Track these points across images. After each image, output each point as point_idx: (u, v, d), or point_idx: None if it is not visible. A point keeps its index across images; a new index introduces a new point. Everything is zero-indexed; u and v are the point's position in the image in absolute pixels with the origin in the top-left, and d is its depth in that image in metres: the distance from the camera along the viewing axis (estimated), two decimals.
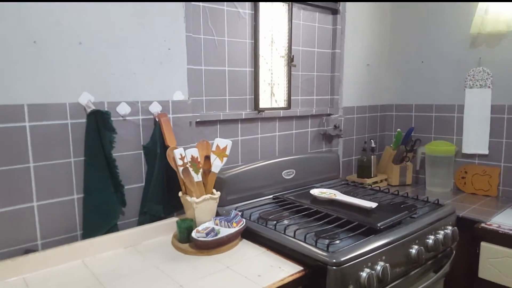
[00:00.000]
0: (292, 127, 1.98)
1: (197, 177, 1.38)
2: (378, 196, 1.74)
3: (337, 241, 1.23)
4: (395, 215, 1.42)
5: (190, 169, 1.36)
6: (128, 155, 1.37)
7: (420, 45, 2.27)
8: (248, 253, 1.27)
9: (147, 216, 1.42)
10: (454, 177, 2.13)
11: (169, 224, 1.42)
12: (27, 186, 1.17)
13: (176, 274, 1.13)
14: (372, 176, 2.16)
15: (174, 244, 1.33)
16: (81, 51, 1.23)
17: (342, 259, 1.13)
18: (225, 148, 1.42)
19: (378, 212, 1.46)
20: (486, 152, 2.03)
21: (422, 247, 1.37)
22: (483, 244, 1.60)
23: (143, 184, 1.43)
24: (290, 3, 1.83)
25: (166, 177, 1.43)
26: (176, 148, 1.35)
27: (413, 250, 1.35)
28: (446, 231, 1.52)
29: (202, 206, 1.37)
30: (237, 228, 1.32)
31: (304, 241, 1.23)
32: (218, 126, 1.65)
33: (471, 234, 1.63)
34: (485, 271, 1.61)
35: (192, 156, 1.37)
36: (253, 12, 1.71)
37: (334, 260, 1.13)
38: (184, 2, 1.45)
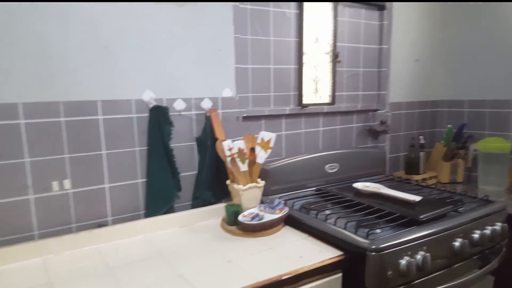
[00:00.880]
0: (337, 122, 2.11)
1: (244, 167, 1.57)
2: (424, 191, 1.80)
3: (378, 230, 1.33)
4: (439, 208, 1.48)
5: (237, 159, 1.55)
6: (183, 146, 1.61)
7: (473, 39, 2.28)
8: (290, 237, 1.44)
9: (199, 200, 1.64)
10: (510, 175, 2.13)
11: (218, 209, 1.63)
12: (100, 170, 1.44)
13: (225, 251, 1.32)
14: (421, 173, 2.22)
15: (222, 226, 1.54)
16: (144, 54, 1.48)
17: (382, 245, 1.23)
18: (269, 141, 1.60)
19: (422, 205, 1.53)
20: None
21: (466, 241, 1.41)
22: None
23: (196, 172, 1.65)
24: (335, 2, 1.96)
25: (216, 166, 1.63)
26: (224, 140, 1.55)
27: (457, 243, 1.40)
28: (494, 227, 1.55)
29: (247, 194, 1.56)
30: (280, 215, 1.49)
31: (345, 229, 1.35)
32: (263, 121, 1.84)
33: None
34: None
35: (239, 148, 1.56)
36: (298, 11, 1.87)
37: (373, 246, 1.22)
38: (232, 6, 1.65)
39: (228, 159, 1.55)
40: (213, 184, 1.65)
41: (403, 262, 1.27)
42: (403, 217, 1.42)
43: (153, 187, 1.54)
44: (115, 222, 1.49)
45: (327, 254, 1.30)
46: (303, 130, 1.99)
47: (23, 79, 1.28)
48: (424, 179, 2.19)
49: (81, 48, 1.36)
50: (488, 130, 2.27)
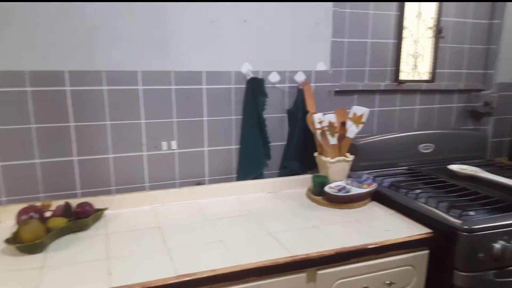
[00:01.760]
0: (435, 101, 2.09)
1: (333, 140, 1.67)
2: None
3: (471, 212, 1.34)
4: None
5: (327, 132, 1.66)
6: (274, 117, 1.76)
7: None
8: (377, 212, 1.52)
9: (286, 170, 1.80)
10: None
11: (304, 179, 1.77)
12: (201, 134, 1.66)
13: (311, 218, 1.46)
14: None
15: (308, 195, 1.68)
16: (245, 28, 1.64)
17: (475, 226, 1.25)
18: (361, 116, 1.67)
19: None
20: None
21: None
22: None
23: (285, 143, 1.80)
24: None
25: (305, 138, 1.76)
26: (315, 113, 1.67)
27: None
28: None
29: (335, 167, 1.67)
30: (368, 189, 1.58)
31: (436, 208, 1.38)
32: (356, 96, 1.91)
33: None
34: None
35: (329, 121, 1.66)
36: None
37: (466, 226, 1.25)
38: None
39: (318, 131, 1.67)
40: (301, 155, 1.79)
41: (497, 246, 1.28)
42: (501, 201, 1.41)
43: (245, 153, 1.74)
44: (211, 182, 1.72)
45: (415, 230, 1.36)
46: (398, 108, 2.02)
47: (143, 49, 1.53)
48: None
49: (191, 22, 1.57)
50: None
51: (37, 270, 1.11)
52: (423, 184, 1.69)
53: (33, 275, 1.09)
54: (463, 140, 2.06)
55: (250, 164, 1.75)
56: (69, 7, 1.41)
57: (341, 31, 1.84)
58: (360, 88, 1.91)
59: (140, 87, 1.55)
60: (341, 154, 1.71)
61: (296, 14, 1.72)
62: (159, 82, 1.57)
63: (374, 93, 1.96)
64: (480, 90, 2.17)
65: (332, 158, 1.68)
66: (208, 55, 1.63)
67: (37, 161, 1.47)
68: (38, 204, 1.36)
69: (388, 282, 1.31)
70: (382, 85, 1.95)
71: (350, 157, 1.71)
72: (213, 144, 1.70)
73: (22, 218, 1.28)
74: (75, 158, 1.52)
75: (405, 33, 1.95)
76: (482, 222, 1.29)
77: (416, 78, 2.03)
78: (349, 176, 1.73)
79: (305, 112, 1.74)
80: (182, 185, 1.68)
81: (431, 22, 2.00)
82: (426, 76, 2.05)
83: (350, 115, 1.71)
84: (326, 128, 1.67)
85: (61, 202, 1.41)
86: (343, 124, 1.72)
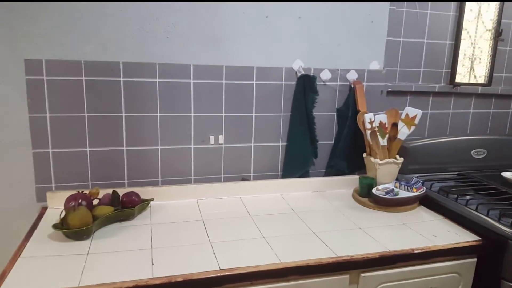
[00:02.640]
0: (491, 105, 2.03)
1: (383, 142, 1.66)
2: None
3: None
4: None
5: (377, 133, 1.64)
6: (323, 115, 1.75)
7: None
8: (425, 217, 1.50)
9: (332, 169, 1.79)
10: None
11: (351, 180, 1.76)
12: (249, 130, 1.68)
13: (356, 219, 1.46)
14: None
15: (354, 197, 1.66)
16: (299, 24, 1.64)
17: None
18: (414, 117, 1.64)
19: None
20: None
21: None
22: None
23: (332, 142, 1.79)
24: None
25: (354, 138, 1.75)
26: (366, 113, 1.65)
27: None
28: None
29: (384, 168, 1.65)
30: (417, 193, 1.56)
31: (487, 215, 1.36)
32: (408, 97, 1.88)
33: None
34: None
35: (380, 121, 1.65)
36: None
37: None
38: None
39: (368, 132, 1.65)
40: (349, 155, 1.78)
41: None
42: None
43: (292, 151, 1.74)
44: (256, 178, 1.74)
45: (463, 237, 1.34)
46: (451, 111, 1.98)
47: (196, 44, 1.55)
48: None
49: (245, 17, 1.58)
50: None
51: (82, 256, 1.14)
52: (473, 190, 1.65)
53: (79, 261, 1.11)
54: None
55: (297, 162, 1.75)
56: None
57: (397, 30, 1.82)
58: (413, 89, 1.88)
59: (191, 80, 1.57)
60: (390, 156, 1.70)
61: (352, 11, 1.71)
62: (210, 76, 1.60)
63: (428, 94, 1.93)
64: None
65: (381, 159, 1.66)
66: (260, 50, 1.64)
67: (88, 149, 1.52)
68: (86, 191, 1.39)
69: None
70: (437, 87, 1.91)
71: (400, 160, 1.69)
72: (260, 140, 1.71)
73: (71, 204, 1.31)
74: (124, 148, 1.56)
75: (463, 34, 1.90)
76: None
77: (472, 81, 1.98)
78: (397, 179, 1.70)
79: (356, 111, 1.73)
80: (227, 180, 1.71)
81: (490, 24, 1.93)
82: (482, 80, 2.00)
83: (402, 116, 1.70)
84: (376, 129, 1.67)
85: (109, 190, 1.45)
86: (394, 125, 1.70)
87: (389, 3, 1.71)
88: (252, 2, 1.55)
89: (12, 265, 1.06)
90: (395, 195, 1.55)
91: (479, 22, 1.90)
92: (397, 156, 1.68)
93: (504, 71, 2.00)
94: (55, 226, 1.22)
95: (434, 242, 1.28)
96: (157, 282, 1.01)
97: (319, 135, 1.75)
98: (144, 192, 1.50)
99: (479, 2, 1.86)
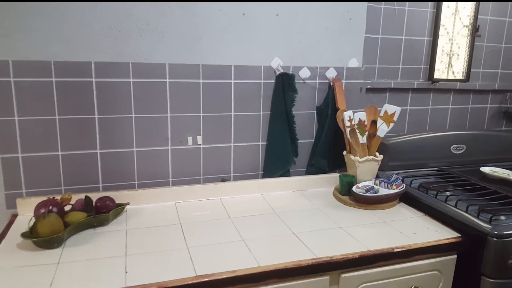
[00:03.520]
0: (469, 101, 2.03)
1: (362, 139, 1.64)
2: None
3: (502, 217, 1.32)
4: None
5: (357, 131, 1.62)
6: (303, 114, 1.73)
7: None
8: (405, 214, 1.49)
9: (313, 168, 1.77)
10: None
11: (332, 178, 1.74)
12: (228, 130, 1.63)
13: (337, 218, 1.44)
14: None
15: (335, 195, 1.65)
16: (277, 22, 1.61)
17: (506, 232, 1.22)
18: (393, 114, 1.63)
19: None
20: None
21: None
22: None
23: (313, 140, 1.77)
24: None
25: (334, 136, 1.73)
26: (345, 110, 1.63)
27: None
28: None
29: (364, 166, 1.63)
30: (396, 190, 1.55)
31: (466, 211, 1.36)
32: (388, 94, 1.87)
33: None
34: None
35: (360, 119, 1.63)
36: None
37: (496, 232, 1.22)
38: None
39: (348, 129, 1.63)
40: (329, 153, 1.76)
41: None
42: None
43: (272, 150, 1.70)
44: (236, 178, 1.70)
45: (443, 234, 1.33)
46: (430, 107, 1.98)
47: (172, 41, 1.50)
48: None
49: (222, 15, 1.54)
50: None
51: (53, 266, 1.09)
52: (453, 186, 1.66)
53: (49, 271, 1.06)
54: (496, 142, 1.99)
55: (277, 161, 1.72)
56: None
57: (375, 27, 1.80)
58: (392, 86, 1.87)
59: (167, 80, 1.52)
60: (370, 153, 1.68)
61: (330, 9, 1.68)
62: (186, 76, 1.55)
63: (407, 91, 1.92)
64: None
65: (361, 157, 1.65)
66: (238, 49, 1.60)
67: (60, 153, 1.46)
68: (57, 197, 1.33)
69: (414, 287, 1.28)
70: (415, 83, 1.91)
71: (379, 157, 1.68)
72: (239, 140, 1.68)
73: (40, 211, 1.25)
74: (98, 151, 1.50)
75: (440, 30, 1.89)
76: None
77: (450, 77, 1.98)
78: (377, 176, 1.69)
79: (335, 109, 1.71)
80: (207, 181, 1.67)
81: (467, 20, 1.93)
82: (460, 76, 2.01)
83: (381, 114, 1.68)
84: (356, 126, 1.65)
85: (83, 195, 1.40)
86: (373, 122, 1.69)
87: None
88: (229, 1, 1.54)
89: None
90: (375, 193, 1.54)
91: (456, 18, 1.90)
92: (377, 153, 1.67)
93: (481, 66, 2.00)
94: (24, 235, 1.16)
95: (414, 240, 1.28)
96: None
97: (300, 133, 1.72)
98: (119, 196, 1.44)
99: None
